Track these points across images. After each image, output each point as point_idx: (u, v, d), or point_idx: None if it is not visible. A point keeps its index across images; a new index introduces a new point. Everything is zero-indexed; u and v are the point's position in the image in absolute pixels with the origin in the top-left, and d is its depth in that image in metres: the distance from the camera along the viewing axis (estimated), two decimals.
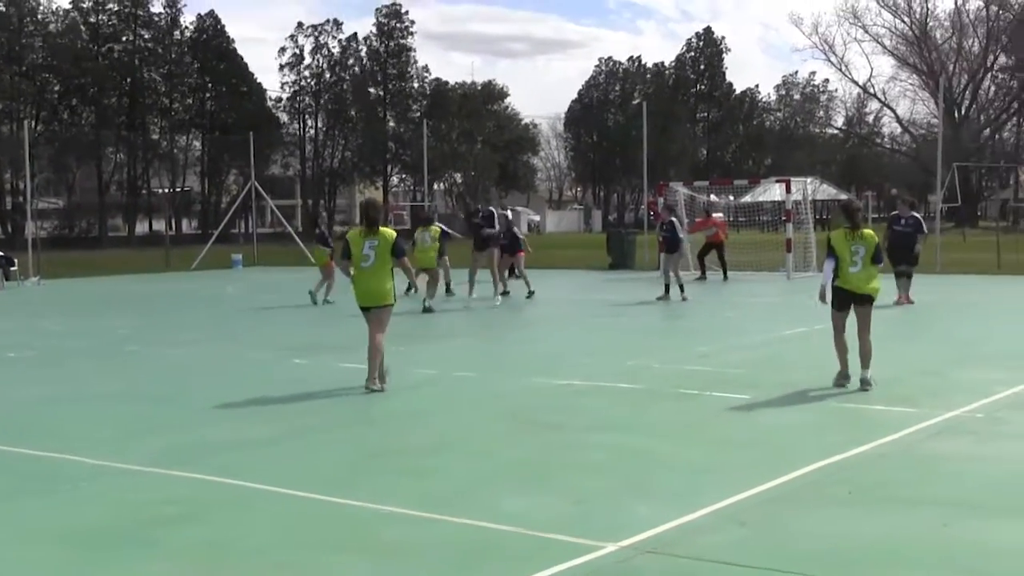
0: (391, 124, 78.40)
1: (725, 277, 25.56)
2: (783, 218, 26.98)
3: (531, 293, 21.27)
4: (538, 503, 6.47)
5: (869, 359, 10.07)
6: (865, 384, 9.95)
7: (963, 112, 75.05)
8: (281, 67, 75.54)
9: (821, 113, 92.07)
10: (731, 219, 35.56)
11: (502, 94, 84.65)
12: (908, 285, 18.58)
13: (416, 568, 5.38)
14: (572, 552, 5.47)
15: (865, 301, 10.21)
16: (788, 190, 26.90)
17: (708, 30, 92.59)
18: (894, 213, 20.33)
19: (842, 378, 10.17)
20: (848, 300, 10.17)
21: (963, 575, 5.14)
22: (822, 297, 10.39)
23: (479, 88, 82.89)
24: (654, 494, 6.64)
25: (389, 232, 10.47)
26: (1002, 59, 75.28)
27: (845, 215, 10.32)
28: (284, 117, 76.01)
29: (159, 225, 68.63)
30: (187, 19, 74.68)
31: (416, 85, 79.56)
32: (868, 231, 10.20)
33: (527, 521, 6.02)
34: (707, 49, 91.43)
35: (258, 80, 73.06)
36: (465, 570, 5.34)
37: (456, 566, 5.40)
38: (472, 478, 7.15)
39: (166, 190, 70.32)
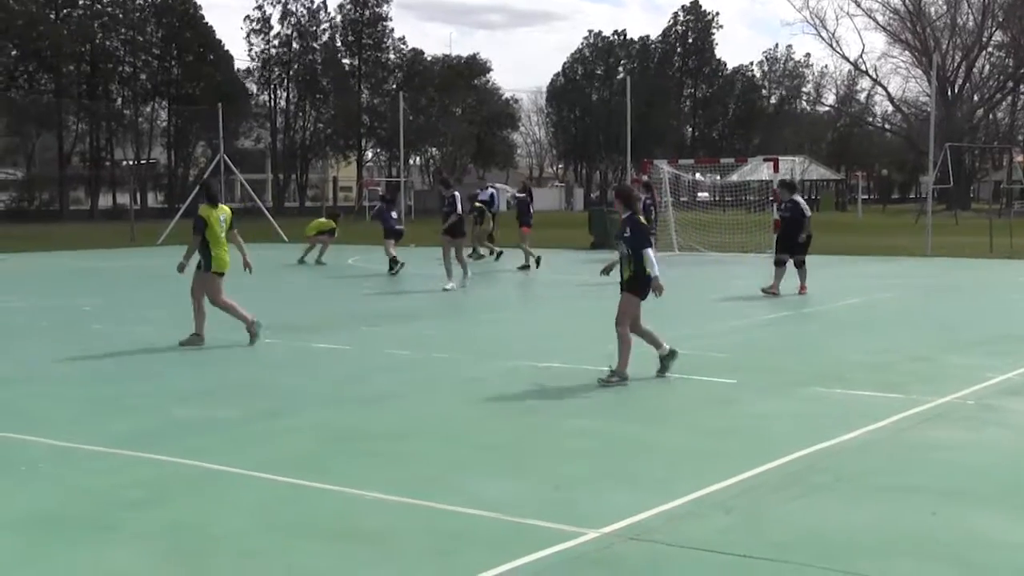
0: (365, 96, 78.04)
1: None
2: (770, 198, 27.06)
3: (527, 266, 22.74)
4: (517, 488, 6.51)
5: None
6: (672, 355, 10.15)
7: (956, 91, 75.29)
8: (248, 35, 75.02)
9: (811, 90, 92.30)
10: (717, 198, 35.70)
11: (485, 68, 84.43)
12: (804, 273, 17.95)
13: (391, 555, 5.40)
14: (552, 539, 5.51)
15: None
16: (776, 169, 27.01)
17: (696, 3, 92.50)
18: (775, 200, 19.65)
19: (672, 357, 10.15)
20: (648, 290, 10.11)
21: (952, 564, 5.20)
22: (659, 291, 10.12)
23: (462, 60, 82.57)
24: (636, 480, 6.69)
25: (227, 209, 12.73)
26: (998, 36, 75.55)
27: (627, 202, 10.24)
28: (253, 87, 75.51)
29: (123, 198, 68.07)
30: None
31: (392, 56, 79.20)
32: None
33: (506, 507, 6.06)
34: (696, 24, 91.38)
35: (226, 48, 72.56)
36: (441, 557, 5.37)
37: (432, 552, 5.43)
38: (449, 462, 7.18)
39: (130, 162, 69.79)
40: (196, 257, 12.77)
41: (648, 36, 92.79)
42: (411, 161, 76.71)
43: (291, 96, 76.62)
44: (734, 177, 35.92)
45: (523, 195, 24.95)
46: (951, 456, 7.28)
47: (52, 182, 66.72)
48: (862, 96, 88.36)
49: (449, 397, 9.47)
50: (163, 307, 17.08)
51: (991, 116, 78.95)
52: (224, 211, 12.70)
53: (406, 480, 6.71)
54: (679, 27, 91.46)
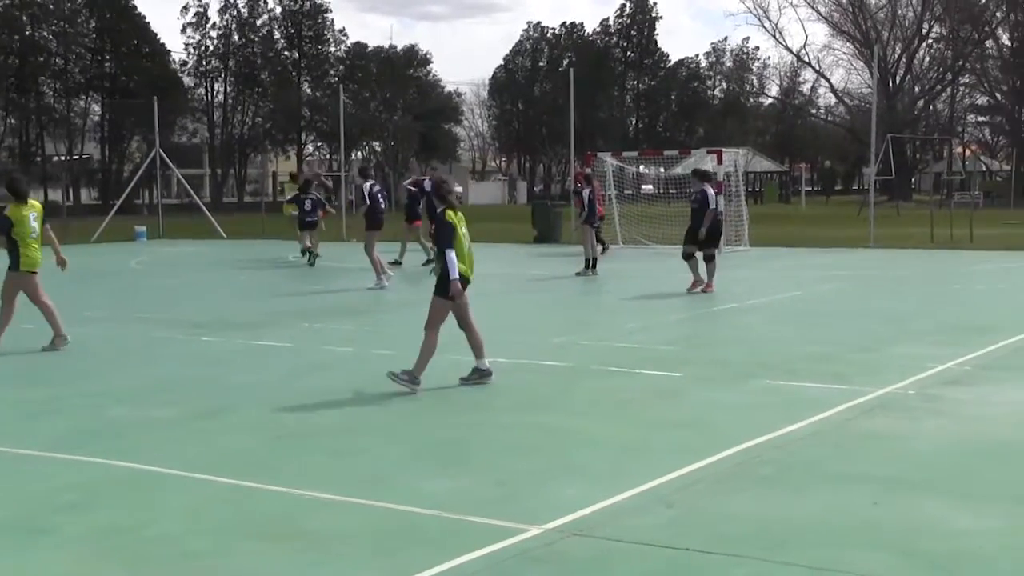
0: (306, 89, 77.47)
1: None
2: (715, 191, 27.24)
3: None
4: (461, 485, 6.51)
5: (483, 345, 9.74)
6: (485, 375, 9.61)
7: (897, 82, 76.42)
8: (185, 27, 74.15)
9: (754, 81, 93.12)
10: (661, 191, 35.87)
11: (424, 60, 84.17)
12: (697, 268, 17.13)
13: (333, 554, 5.38)
14: (496, 535, 5.52)
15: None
16: (719, 161, 27.16)
17: None
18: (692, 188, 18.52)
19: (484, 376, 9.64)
20: (464, 287, 9.51)
21: (893, 552, 5.28)
22: (457, 295, 9.41)
23: (400, 52, 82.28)
24: (580, 475, 6.71)
25: (38, 205, 12.34)
26: (936, 29, 76.79)
27: (438, 196, 9.77)
28: (189, 81, 74.66)
29: (55, 195, 67.05)
30: None
31: (333, 49, 78.73)
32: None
33: (449, 504, 6.05)
34: (638, 16, 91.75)
35: (161, 41, 71.67)
36: (384, 555, 5.35)
37: (375, 551, 5.42)
38: (392, 460, 7.16)
39: (63, 157, 68.71)
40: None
41: (591, 28, 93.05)
42: (353, 155, 76.26)
43: (229, 90, 75.88)
44: (678, 169, 36.02)
45: (413, 188, 23.89)
46: (893, 445, 7.39)
47: None
48: (805, 88, 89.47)
49: (392, 394, 9.42)
50: (98, 307, 16.86)
51: (931, 107, 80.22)
52: (35, 208, 12.12)
53: (349, 479, 6.68)
54: (623, 19, 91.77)
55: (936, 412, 8.42)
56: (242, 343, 12.43)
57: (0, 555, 5.46)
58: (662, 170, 34.31)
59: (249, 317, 14.98)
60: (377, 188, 19.29)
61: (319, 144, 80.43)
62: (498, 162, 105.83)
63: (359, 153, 79.52)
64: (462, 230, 9.48)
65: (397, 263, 22.11)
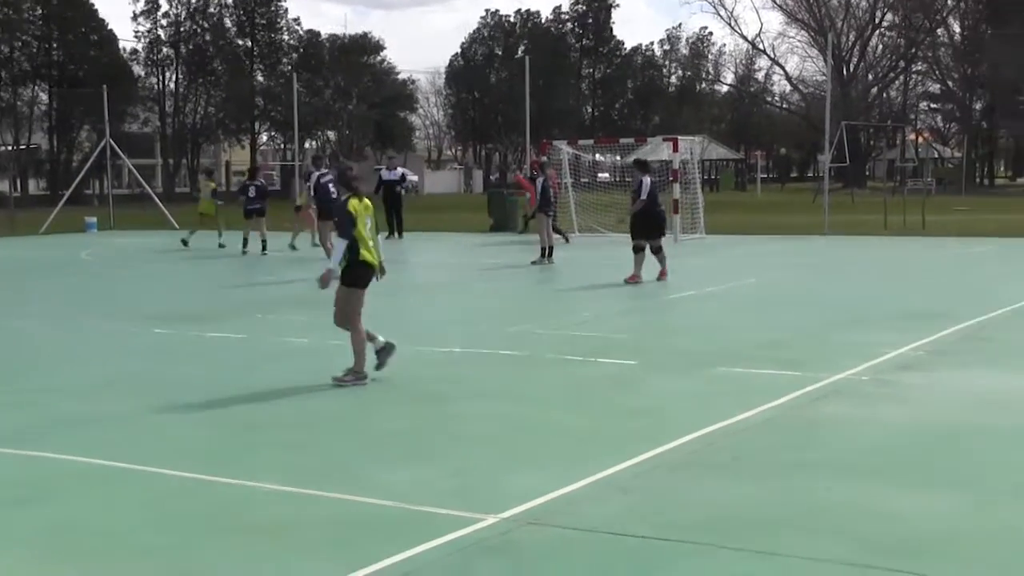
0: (260, 78, 76.86)
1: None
2: (670, 178, 27.38)
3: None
4: (416, 476, 6.52)
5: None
6: (361, 377, 9.23)
7: (851, 70, 77.15)
8: (135, 15, 73.29)
9: (710, 69, 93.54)
10: (617, 179, 36.00)
11: (377, 47, 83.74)
12: (663, 258, 16.95)
13: (290, 546, 5.37)
14: (452, 525, 5.54)
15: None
16: (675, 149, 27.29)
17: None
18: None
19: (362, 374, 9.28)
20: (369, 278, 9.41)
21: (844, 537, 5.35)
22: (327, 283, 9.37)
23: (347, 40, 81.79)
24: (536, 464, 6.74)
25: None
26: (889, 17, 77.60)
27: (342, 183, 9.58)
28: (140, 70, 73.82)
29: (2, 185, 66.12)
30: None
31: (287, 37, 78.14)
32: (368, 200, 9.52)
33: (405, 495, 6.06)
34: (594, 3, 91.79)
35: (111, 28, 70.80)
36: (341, 547, 5.35)
37: (331, 543, 5.42)
38: (347, 451, 7.16)
39: (9, 147, 67.71)
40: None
41: (546, 16, 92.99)
42: (307, 145, 75.81)
43: (181, 79, 75.12)
44: (633, 157, 36.18)
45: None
46: (846, 431, 7.48)
47: None
48: (761, 76, 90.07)
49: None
50: (47, 300, 16.67)
51: (885, 95, 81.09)
52: None
53: (304, 470, 6.67)
54: (579, 6, 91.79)
55: (889, 398, 8.53)
56: (195, 335, 12.35)
57: None
58: (618, 158, 34.44)
59: (202, 309, 14.87)
60: (328, 178, 19.02)
61: (273, 133, 79.87)
62: (454, 151, 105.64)
63: (314, 142, 79.11)
64: (366, 220, 9.22)
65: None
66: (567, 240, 24.86)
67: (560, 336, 11.86)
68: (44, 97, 69.77)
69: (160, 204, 37.88)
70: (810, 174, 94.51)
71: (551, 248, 20.54)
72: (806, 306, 14.19)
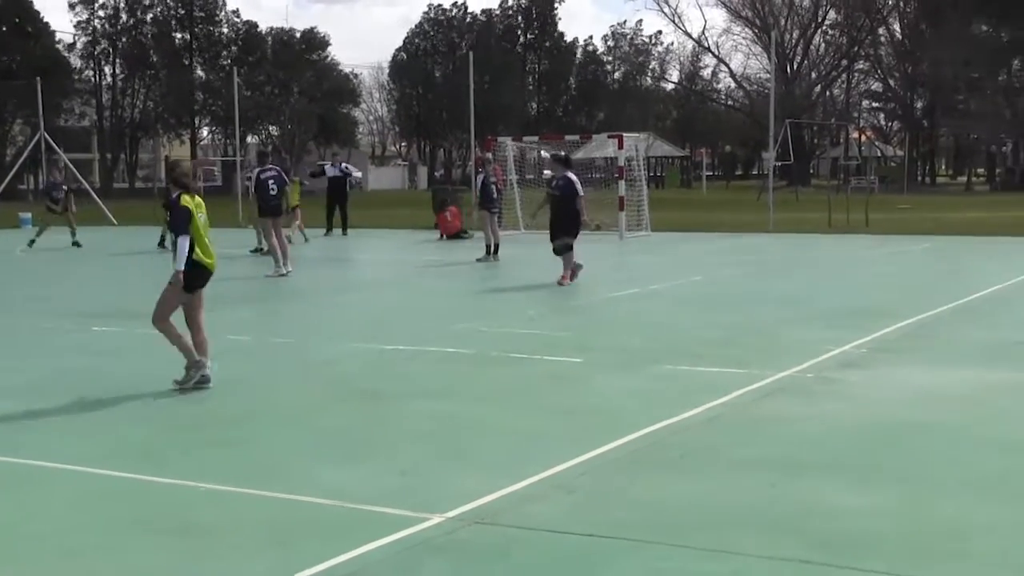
0: (199, 72, 76.05)
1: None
2: (615, 175, 27.49)
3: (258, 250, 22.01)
4: (359, 474, 6.47)
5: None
6: (205, 380, 8.93)
7: (795, 68, 78.00)
8: (72, 6, 72.22)
9: (655, 67, 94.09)
10: None
11: (323, 43, 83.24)
12: (570, 261, 16.27)
13: (227, 548, 5.30)
14: (395, 525, 5.50)
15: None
16: (620, 146, 27.41)
17: None
18: (548, 175, 17.29)
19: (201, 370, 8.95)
20: (205, 279, 9.13)
21: (790, 535, 5.38)
22: (178, 284, 8.95)
23: (298, 36, 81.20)
24: (481, 463, 6.72)
25: None
26: (832, 15, 78.54)
27: (172, 179, 9.14)
28: (77, 62, 72.76)
29: None
30: None
31: (226, 30, 77.39)
32: (200, 197, 9.17)
33: (347, 494, 6.01)
34: None
35: (46, 20, 69.68)
36: (279, 547, 5.29)
37: (270, 543, 5.35)
38: (287, 449, 7.08)
39: None
40: None
41: (490, 10, 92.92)
42: (248, 140, 75.14)
43: (118, 72, 74.12)
44: (579, 154, 36.29)
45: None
46: (791, 428, 7.54)
47: None
48: (706, 73, 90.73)
49: (289, 382, 9.34)
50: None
51: (828, 93, 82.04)
52: None
53: (243, 469, 6.59)
54: (522, 0, 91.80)
55: (833, 395, 8.61)
56: (134, 332, 12.16)
57: None
58: (563, 154, 34.47)
59: (142, 306, 14.55)
60: (268, 175, 18.67)
61: (214, 128, 79.08)
62: (398, 147, 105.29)
63: (256, 137, 78.41)
64: (200, 217, 8.91)
65: (260, 250, 21.82)
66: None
67: (505, 334, 11.84)
68: None
69: (98, 199, 37.37)
70: (755, 172, 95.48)
71: (497, 245, 20.52)
72: (751, 304, 14.29)
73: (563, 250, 16.21)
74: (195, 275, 8.99)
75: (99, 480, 6.42)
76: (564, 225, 16.27)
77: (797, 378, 9.19)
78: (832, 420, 7.80)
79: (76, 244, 24.88)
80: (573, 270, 16.25)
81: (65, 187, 26.26)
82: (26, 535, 5.51)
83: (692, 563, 5.06)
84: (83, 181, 41.59)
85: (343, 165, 29.17)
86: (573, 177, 16.51)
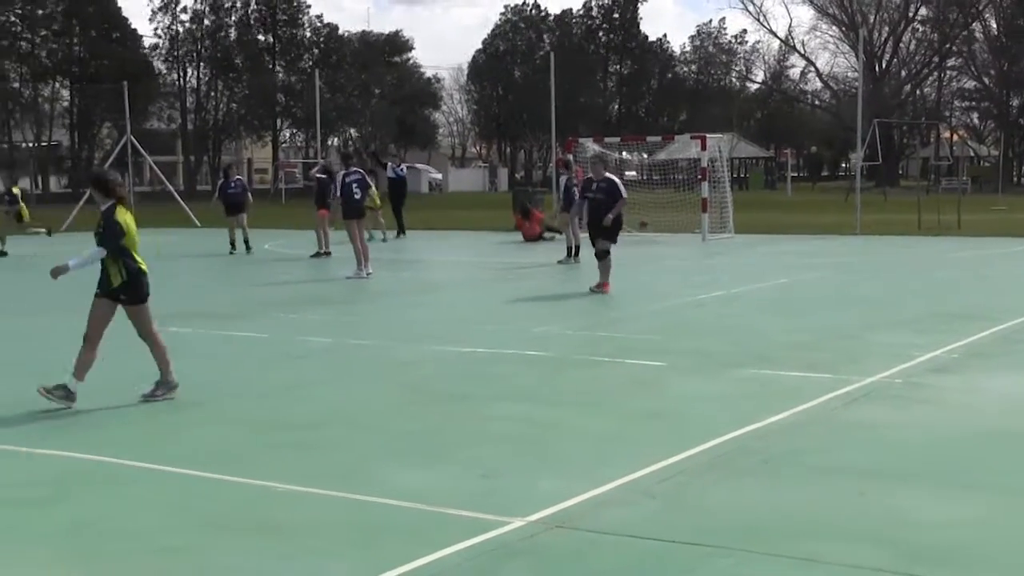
0: (280, 75, 77.15)
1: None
2: (699, 177, 27.31)
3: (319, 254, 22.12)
4: (439, 477, 6.50)
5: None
6: (172, 387, 8.72)
7: (884, 66, 76.72)
8: (155, 11, 73.71)
9: (740, 67, 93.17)
10: (645, 177, 35.95)
11: (405, 46, 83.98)
12: (608, 268, 15.72)
13: (307, 548, 5.36)
14: (475, 528, 5.51)
15: None
16: (703, 147, 27.21)
17: None
18: (587, 177, 16.65)
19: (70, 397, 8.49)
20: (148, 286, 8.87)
21: (880, 545, 5.29)
22: (57, 276, 8.77)
23: (382, 38, 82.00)
24: (561, 467, 6.71)
25: None
26: (923, 11, 77.05)
27: (106, 190, 8.75)
28: (162, 66, 74.27)
29: (23, 182, 66.55)
30: None
31: (308, 33, 78.41)
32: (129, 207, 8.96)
33: (427, 496, 6.04)
34: None
35: (132, 25, 71.26)
36: (359, 549, 5.34)
37: (351, 545, 5.40)
38: (368, 452, 7.14)
39: (30, 144, 68.22)
40: None
41: (570, 10, 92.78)
42: (329, 142, 76.02)
43: (202, 75, 75.47)
44: (662, 155, 36.09)
45: (323, 176, 23.11)
46: (878, 435, 7.41)
47: None
48: (792, 72, 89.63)
49: (369, 385, 9.42)
50: (67, 298, 16.73)
51: (918, 92, 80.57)
52: None
53: (324, 471, 6.66)
54: (605, 1, 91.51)
55: (923, 401, 8.45)
56: (216, 334, 12.38)
57: None
58: (645, 156, 34.33)
59: (224, 307, 14.92)
60: (352, 177, 18.97)
61: (295, 130, 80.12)
62: (478, 148, 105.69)
63: (336, 139, 79.30)
64: (133, 228, 8.70)
65: (326, 253, 22.11)
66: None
67: (586, 337, 11.81)
68: (65, 94, 70.27)
69: (181, 202, 38.09)
70: (841, 173, 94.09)
71: (578, 247, 20.49)
72: (837, 307, 14.10)
73: (603, 255, 15.71)
74: (145, 285, 8.78)
75: (184, 480, 6.54)
76: (604, 227, 15.72)
77: (885, 383, 9.03)
78: (923, 427, 7.66)
79: (2, 254, 24.84)
80: (603, 284, 15.64)
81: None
82: (113, 533, 5.63)
83: (775, 572, 5.00)
84: (168, 183, 42.44)
85: (400, 168, 29.42)
86: (616, 179, 16.02)
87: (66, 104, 70.48)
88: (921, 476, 6.46)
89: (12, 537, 5.61)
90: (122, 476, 6.66)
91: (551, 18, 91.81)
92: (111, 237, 8.55)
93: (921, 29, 78.28)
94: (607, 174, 16.01)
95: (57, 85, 69.97)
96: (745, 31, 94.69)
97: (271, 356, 10.93)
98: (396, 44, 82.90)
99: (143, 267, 8.75)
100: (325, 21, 79.58)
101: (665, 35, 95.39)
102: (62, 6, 68.00)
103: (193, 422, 8.09)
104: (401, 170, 29.06)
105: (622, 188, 15.95)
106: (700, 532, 5.45)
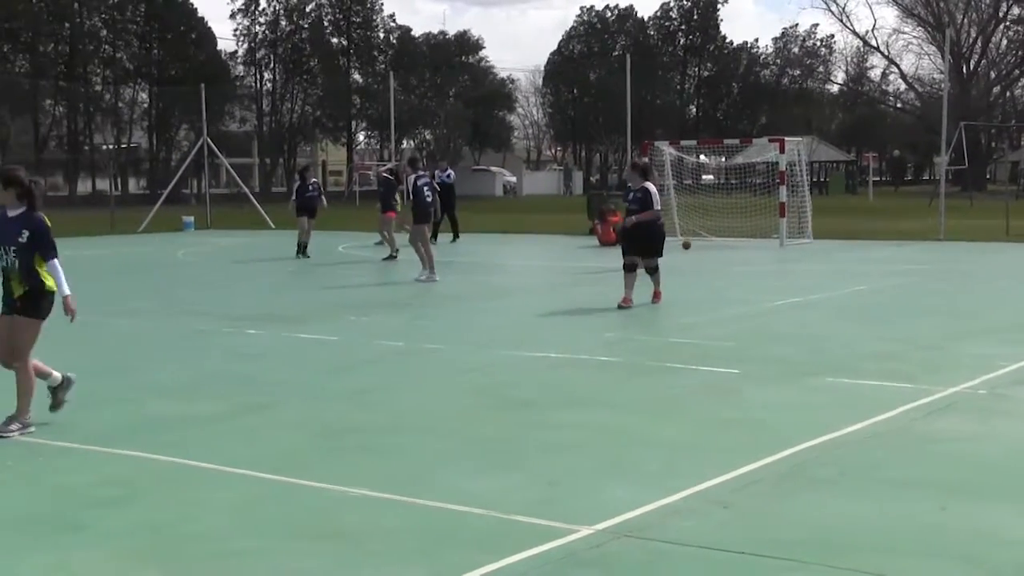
0: (355, 77, 77.89)
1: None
2: (777, 181, 27.03)
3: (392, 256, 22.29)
4: (508, 484, 6.50)
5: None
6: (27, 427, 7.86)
7: (972, 67, 75.21)
8: (233, 14, 74.85)
9: (821, 69, 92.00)
10: (722, 181, 35.72)
11: (476, 46, 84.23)
12: (657, 279, 15.19)
13: (376, 554, 5.39)
14: (543, 536, 5.50)
15: None
16: (782, 150, 26.92)
17: None
18: (628, 184, 15.86)
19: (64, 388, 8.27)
20: (51, 306, 8.04)
21: (960, 562, 5.19)
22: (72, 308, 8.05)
23: (451, 38, 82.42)
24: (632, 475, 6.67)
25: None
26: (1016, 10, 75.39)
27: (33, 195, 7.99)
28: (239, 68, 75.36)
29: (103, 184, 67.97)
30: None
31: (382, 35, 79.08)
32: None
33: (496, 503, 6.04)
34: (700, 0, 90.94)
35: (209, 28, 72.43)
36: (429, 555, 5.36)
37: (419, 551, 5.42)
38: (437, 457, 7.17)
39: (110, 146, 69.64)
40: None
41: (651, 12, 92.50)
42: (404, 144, 76.56)
43: (278, 77, 76.46)
44: (739, 159, 35.76)
45: (389, 176, 23.26)
46: (961, 448, 7.27)
47: (28, 167, 66.08)
48: (873, 73, 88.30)
49: (440, 389, 9.46)
50: (144, 298, 17.06)
51: (1008, 93, 78.91)
52: None
53: (393, 476, 6.69)
54: (684, 2, 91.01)
55: (1007, 413, 8.27)
56: (288, 336, 12.52)
57: (34, 551, 5.52)
58: (723, 159, 34.07)
59: (296, 309, 15.08)
60: (424, 181, 19.17)
61: (370, 132, 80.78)
62: (553, 151, 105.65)
63: (410, 141, 79.87)
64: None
65: (391, 257, 22.28)
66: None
67: (659, 343, 11.75)
68: (144, 96, 71.60)
69: (256, 204, 38.61)
70: (926, 177, 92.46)
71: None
72: (919, 315, 13.86)
73: (652, 271, 15.09)
74: (50, 302, 8.00)
75: (254, 482, 6.62)
76: (646, 244, 14.95)
77: (968, 394, 8.85)
78: (1008, 440, 7.49)
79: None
80: (627, 300, 14.89)
81: None
82: (185, 535, 5.72)
83: None
84: (243, 186, 43.03)
85: (447, 174, 29.52)
86: (652, 188, 15.00)
87: (145, 107, 71.81)
88: (1004, 491, 6.31)
89: (86, 537, 5.72)
90: (193, 477, 6.76)
91: (631, 20, 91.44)
92: (51, 244, 7.92)
93: (1014, 29, 76.63)
94: (645, 183, 15.01)
95: (137, 88, 71.31)
96: (832, 36, 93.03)
97: (342, 359, 11.03)
98: (465, 43, 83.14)
99: (53, 286, 7.92)
100: (399, 23, 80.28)
101: (757, 39, 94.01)
102: (143, 11, 69.27)
103: (264, 425, 8.18)
104: (448, 176, 29.18)
105: (656, 199, 14.97)
106: (773, 544, 5.38)
